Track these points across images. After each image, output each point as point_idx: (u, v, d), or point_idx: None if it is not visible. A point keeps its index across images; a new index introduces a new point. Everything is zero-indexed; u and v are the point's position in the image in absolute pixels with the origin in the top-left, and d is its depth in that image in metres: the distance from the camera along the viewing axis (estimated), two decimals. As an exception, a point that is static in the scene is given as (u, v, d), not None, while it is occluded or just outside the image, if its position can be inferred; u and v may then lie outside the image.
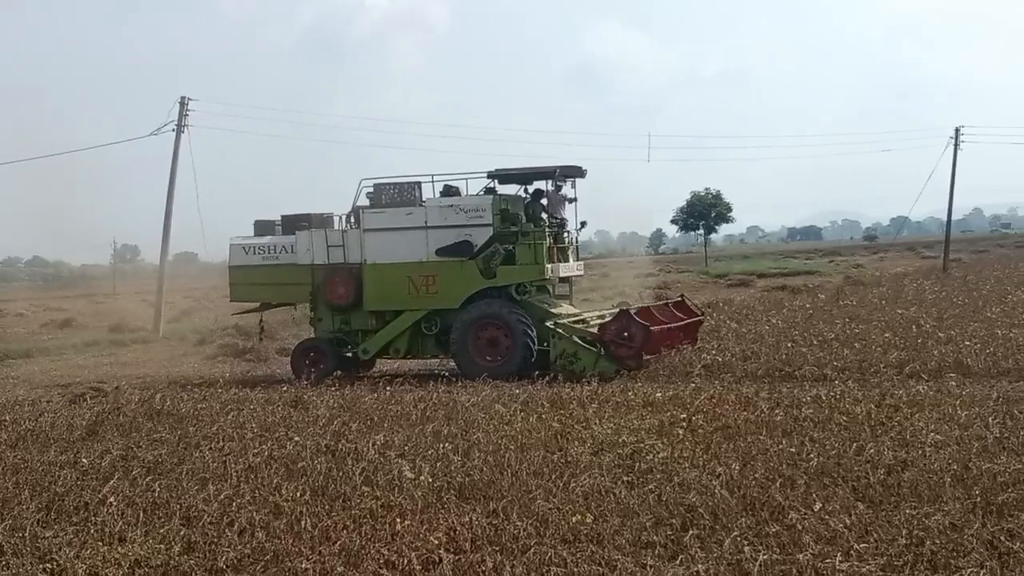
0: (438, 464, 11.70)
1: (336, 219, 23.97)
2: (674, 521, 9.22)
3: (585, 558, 8.34)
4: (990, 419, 12.96)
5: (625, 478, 10.77)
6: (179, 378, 25.04)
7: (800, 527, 8.76)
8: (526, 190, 23.17)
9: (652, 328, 20.80)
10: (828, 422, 13.38)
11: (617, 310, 21.73)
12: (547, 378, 19.09)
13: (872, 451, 11.36)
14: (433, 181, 22.78)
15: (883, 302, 32.75)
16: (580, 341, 20.97)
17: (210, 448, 13.21)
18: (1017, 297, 30.13)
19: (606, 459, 11.65)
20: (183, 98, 43.03)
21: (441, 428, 14.01)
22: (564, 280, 23.93)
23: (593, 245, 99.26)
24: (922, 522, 8.72)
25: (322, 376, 21.84)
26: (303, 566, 8.51)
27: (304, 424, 14.88)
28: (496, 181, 22.72)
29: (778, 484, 10.18)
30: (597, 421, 14.12)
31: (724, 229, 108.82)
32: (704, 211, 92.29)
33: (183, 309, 49.53)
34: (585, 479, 10.66)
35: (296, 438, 13.53)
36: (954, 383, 16.26)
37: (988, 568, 7.69)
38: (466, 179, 22.77)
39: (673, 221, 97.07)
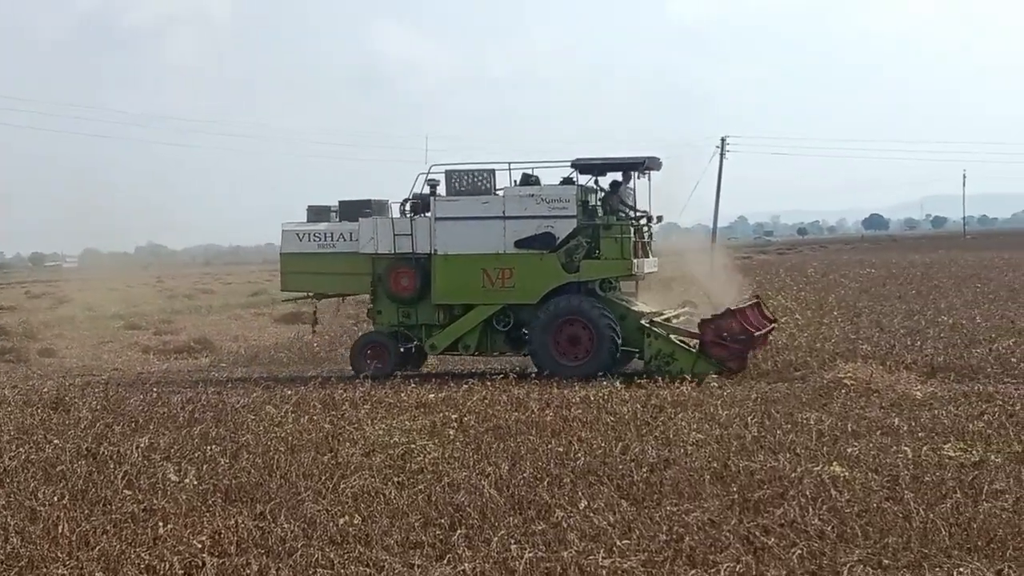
0: (205, 467, 11.46)
1: (393, 207, 22.56)
2: (443, 521, 9.27)
3: (353, 559, 8.30)
4: (749, 419, 13.48)
5: (396, 479, 10.78)
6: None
7: (566, 525, 8.91)
8: (596, 181, 22.10)
9: (755, 334, 19.79)
10: (596, 422, 13.69)
11: (723, 309, 20.22)
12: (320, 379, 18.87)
13: (637, 450, 11.67)
14: (510, 169, 21.53)
15: (652, 306, 33.47)
16: (677, 341, 20.11)
17: (-38, 452, 12.61)
18: (777, 302, 31.30)
19: (377, 460, 11.64)
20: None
21: (209, 430, 13.73)
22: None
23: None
24: (682, 519, 8.98)
25: (384, 373, 20.59)
26: (60, 572, 8.21)
27: (64, 427, 14.33)
28: (576, 171, 21.52)
29: (546, 483, 10.35)
30: (369, 422, 14.09)
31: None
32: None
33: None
34: (355, 480, 10.62)
35: (56, 441, 13.05)
36: (716, 384, 16.84)
37: (744, 563, 7.95)
38: (531, 167, 21.69)
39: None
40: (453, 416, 14.28)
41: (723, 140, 67.00)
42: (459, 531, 8.93)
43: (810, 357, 19.56)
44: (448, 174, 21.46)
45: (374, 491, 10.27)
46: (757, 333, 19.91)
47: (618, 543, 8.40)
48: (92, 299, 50.39)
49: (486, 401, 15.51)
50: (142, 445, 12.55)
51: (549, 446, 12.07)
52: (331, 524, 9.20)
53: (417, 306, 21.83)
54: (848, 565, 7.79)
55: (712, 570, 7.84)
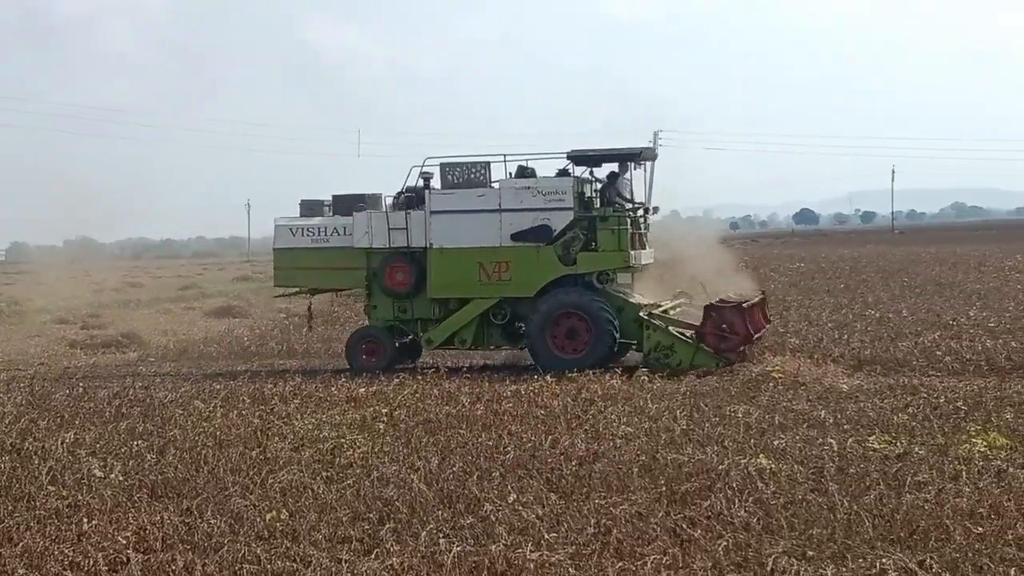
0: (131, 462, 11.39)
1: (386, 201, 22.15)
2: (371, 515, 9.25)
3: (280, 555, 8.26)
4: (678, 412, 13.59)
5: (324, 473, 10.74)
6: None
7: (494, 518, 8.92)
8: (592, 173, 21.73)
9: (754, 334, 19.65)
10: (527, 416, 13.73)
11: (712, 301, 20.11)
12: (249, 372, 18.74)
13: (566, 443, 11.73)
14: (505, 161, 21.20)
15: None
16: (676, 333, 19.95)
17: None
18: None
19: (306, 455, 11.60)
20: None
21: (136, 425, 13.63)
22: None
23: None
24: (610, 511, 9.03)
25: (380, 367, 20.50)
26: (-19, 569, 8.12)
27: (-12, 423, 14.15)
28: (572, 163, 21.25)
29: (475, 477, 10.36)
30: (299, 417, 14.04)
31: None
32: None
33: None
34: (283, 475, 10.58)
35: (-22, 437, 12.88)
36: (646, 377, 16.90)
37: (670, 555, 8.00)
38: (526, 159, 21.31)
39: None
40: (383, 410, 14.26)
41: (656, 135, 67.24)
42: (388, 525, 8.92)
43: (739, 350, 19.70)
44: (443, 167, 21.27)
45: (302, 486, 10.24)
46: (756, 335, 19.98)
47: (546, 536, 8.43)
48: (18, 292, 49.65)
49: (417, 395, 15.51)
50: (67, 440, 12.43)
51: (479, 440, 12.10)
52: (258, 519, 9.16)
53: (413, 300, 21.59)
54: (773, 556, 7.86)
55: (639, 562, 7.88)
